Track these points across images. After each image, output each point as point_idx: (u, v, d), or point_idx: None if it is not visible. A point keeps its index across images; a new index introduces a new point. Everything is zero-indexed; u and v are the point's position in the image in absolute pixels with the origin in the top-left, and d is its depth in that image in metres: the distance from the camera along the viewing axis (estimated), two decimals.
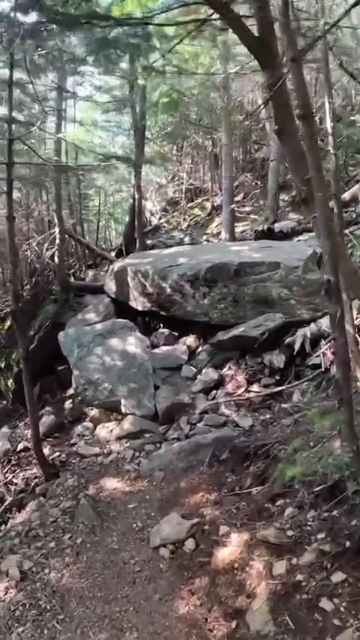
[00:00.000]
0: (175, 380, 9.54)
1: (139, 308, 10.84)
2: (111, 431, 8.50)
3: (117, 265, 11.48)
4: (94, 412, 9.00)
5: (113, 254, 17.58)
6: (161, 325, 11.00)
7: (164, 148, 21.87)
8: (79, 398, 9.23)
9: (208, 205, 20.94)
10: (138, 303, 10.82)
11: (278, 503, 5.24)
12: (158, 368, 9.72)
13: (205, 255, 10.29)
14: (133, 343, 9.20)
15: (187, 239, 17.75)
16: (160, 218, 22.39)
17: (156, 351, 10.24)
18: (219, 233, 17.39)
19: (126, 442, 8.09)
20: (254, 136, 23.23)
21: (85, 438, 8.70)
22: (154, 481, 6.81)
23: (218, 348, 9.58)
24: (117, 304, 11.54)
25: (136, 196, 16.37)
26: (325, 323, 7.75)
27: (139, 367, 8.91)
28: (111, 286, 11.51)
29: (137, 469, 7.24)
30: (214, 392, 8.78)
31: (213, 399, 8.66)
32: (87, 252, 17.52)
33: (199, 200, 22.14)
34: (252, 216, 19.20)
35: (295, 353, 8.06)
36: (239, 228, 17.09)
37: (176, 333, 10.76)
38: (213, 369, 9.33)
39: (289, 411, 6.95)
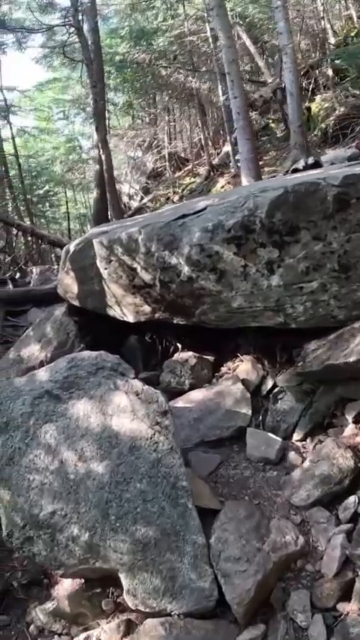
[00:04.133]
0: (237, 473, 4.15)
1: (129, 319, 5.31)
2: None
3: (74, 243, 5.88)
4: (61, 588, 3.70)
5: None
6: (178, 345, 5.51)
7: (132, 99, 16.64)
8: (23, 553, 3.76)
9: (202, 171, 15.60)
10: (125, 309, 5.28)
11: None
12: (193, 445, 4.36)
13: (257, 186, 4.78)
14: (126, 408, 3.67)
15: None
16: (141, 199, 17.02)
17: (179, 404, 4.79)
18: None
19: None
20: (247, 76, 17.94)
21: None
22: None
23: (313, 378, 4.22)
24: (82, 318, 5.98)
25: (103, 156, 11.00)
26: None
27: (154, 473, 3.42)
28: (68, 284, 5.89)
29: None
30: (352, 499, 3.47)
31: (354, 518, 3.27)
32: (32, 241, 12.06)
33: (189, 167, 16.76)
34: (267, 169, 13.94)
35: None
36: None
37: (211, 357, 5.31)
38: (323, 432, 4.03)
39: None
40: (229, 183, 12.77)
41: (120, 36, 16.44)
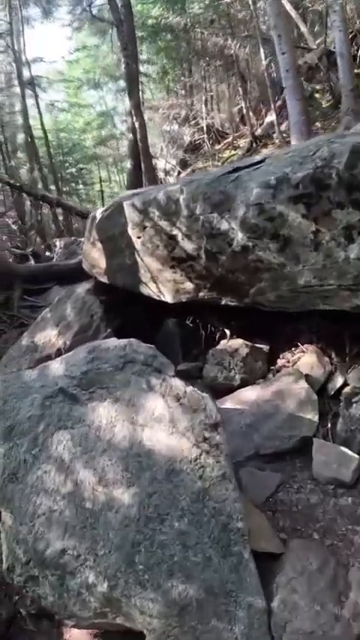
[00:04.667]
0: (302, 498, 3.24)
1: (167, 299, 4.39)
2: None
3: (102, 209, 4.96)
4: (74, 633, 2.92)
5: None
6: (226, 331, 4.58)
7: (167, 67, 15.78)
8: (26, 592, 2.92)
9: (243, 143, 14.56)
10: (162, 286, 4.36)
11: None
12: (244, 458, 3.48)
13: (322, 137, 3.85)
14: (162, 417, 2.77)
15: None
16: (178, 174, 16.05)
17: (227, 405, 3.89)
18: None
19: None
20: None
21: None
22: None
23: None
24: (111, 297, 5.06)
25: (136, 124, 10.06)
26: None
27: (198, 509, 2.51)
28: (94, 258, 4.98)
29: None
30: None
31: None
32: (62, 218, 11.24)
33: (229, 139, 15.71)
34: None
35: None
36: None
37: (265, 347, 4.39)
38: None
39: None
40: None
41: (151, 1, 15.52)
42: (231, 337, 4.47)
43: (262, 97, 15.41)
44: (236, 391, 4.09)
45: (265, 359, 4.31)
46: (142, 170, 10.61)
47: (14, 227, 12.22)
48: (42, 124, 15.67)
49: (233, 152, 14.35)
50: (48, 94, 18.16)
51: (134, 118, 10.47)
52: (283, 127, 12.96)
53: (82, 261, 5.39)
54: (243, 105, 14.40)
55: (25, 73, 15.39)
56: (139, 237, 4.25)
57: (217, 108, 17.62)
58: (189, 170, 15.18)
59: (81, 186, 22.73)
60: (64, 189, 19.36)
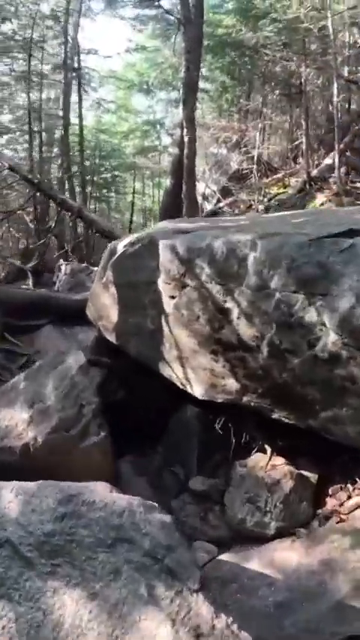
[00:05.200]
0: None
1: (195, 392, 3.05)
2: None
3: (126, 241, 3.62)
4: None
5: None
6: (266, 447, 3.22)
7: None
8: None
9: (294, 182, 13.35)
10: (193, 374, 3.03)
11: None
12: None
13: None
14: None
15: None
16: (218, 201, 14.86)
17: (253, 565, 2.67)
18: None
19: None
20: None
21: None
22: None
23: None
24: (117, 362, 3.68)
25: (186, 138, 8.87)
26: None
27: None
28: (104, 305, 3.64)
29: None
30: None
31: None
32: (75, 224, 10.02)
33: (279, 175, 14.51)
34: None
35: None
36: None
37: (313, 475, 3.11)
38: None
39: None
40: (330, 200, 10.52)
41: (224, 12, 14.57)
42: (271, 454, 3.14)
43: (324, 136, 14.26)
44: (269, 544, 2.79)
45: (311, 495, 3.00)
46: (181, 190, 9.42)
47: (31, 225, 11.00)
48: (80, 119, 14.57)
49: (283, 190, 13.15)
50: (96, 90, 17.06)
51: (185, 130, 9.32)
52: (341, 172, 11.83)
53: (88, 304, 4.05)
54: (304, 141, 13.18)
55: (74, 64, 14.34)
56: (172, 297, 2.95)
57: (272, 139, 16.50)
58: (230, 199, 14.01)
59: (112, 194, 21.63)
60: (94, 194, 18.28)
